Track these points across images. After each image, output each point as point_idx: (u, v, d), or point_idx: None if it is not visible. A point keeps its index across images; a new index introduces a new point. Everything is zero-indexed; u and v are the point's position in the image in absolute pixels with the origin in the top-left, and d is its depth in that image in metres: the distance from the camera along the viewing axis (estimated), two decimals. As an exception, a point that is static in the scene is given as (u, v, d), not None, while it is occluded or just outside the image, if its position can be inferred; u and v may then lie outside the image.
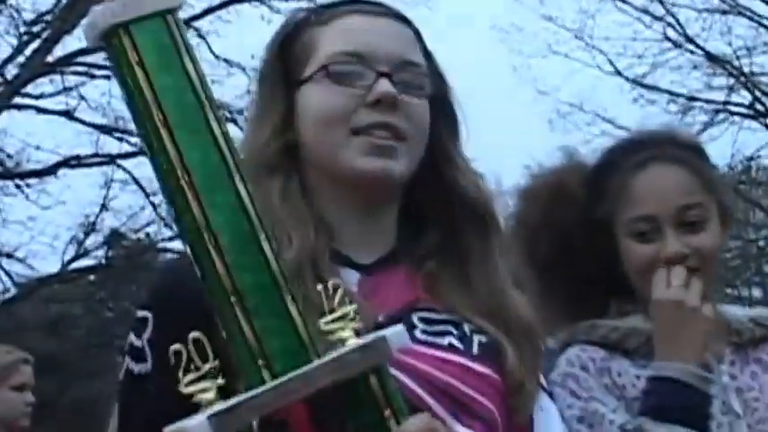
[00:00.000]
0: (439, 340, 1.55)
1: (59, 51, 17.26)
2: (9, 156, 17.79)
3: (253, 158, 1.57)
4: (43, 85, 17.59)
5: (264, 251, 1.25)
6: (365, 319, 1.37)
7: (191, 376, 1.19)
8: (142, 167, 17.46)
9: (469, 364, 1.55)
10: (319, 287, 1.29)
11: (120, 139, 17.97)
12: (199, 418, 1.16)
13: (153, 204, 18.65)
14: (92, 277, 21.53)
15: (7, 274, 18.31)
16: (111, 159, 18.38)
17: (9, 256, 18.30)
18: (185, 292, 1.41)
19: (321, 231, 1.56)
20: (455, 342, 1.56)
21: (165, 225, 19.27)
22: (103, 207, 18.89)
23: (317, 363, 1.24)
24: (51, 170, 17.83)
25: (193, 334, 1.21)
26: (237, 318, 1.23)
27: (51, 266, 18.93)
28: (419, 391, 1.49)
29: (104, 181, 18.61)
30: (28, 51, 17.03)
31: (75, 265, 19.39)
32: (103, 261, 19.92)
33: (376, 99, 1.56)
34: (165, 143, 1.23)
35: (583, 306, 2.15)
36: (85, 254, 19.32)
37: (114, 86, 15.50)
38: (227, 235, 1.23)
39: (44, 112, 17.67)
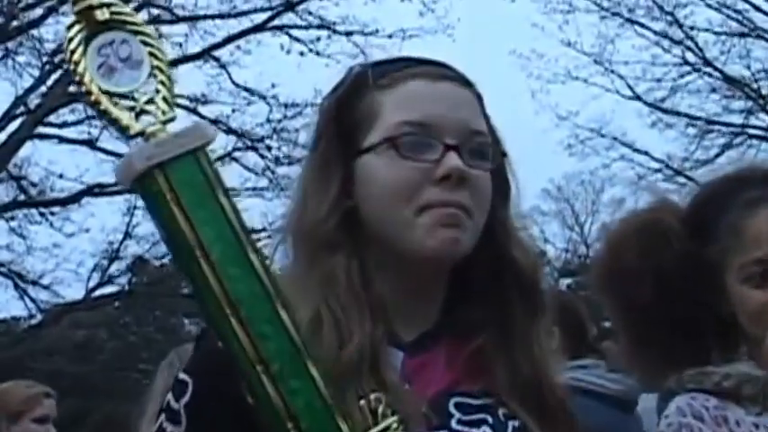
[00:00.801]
0: (474, 430, 1.51)
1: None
2: (33, 184, 18.06)
3: (311, 233, 1.52)
4: (65, 114, 17.87)
5: (310, 371, 1.28)
6: (409, 404, 1.40)
7: None
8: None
9: None
10: (362, 403, 1.32)
11: None
12: None
13: None
14: (116, 303, 21.67)
15: (33, 300, 18.53)
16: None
17: (35, 283, 18.50)
18: (225, 365, 1.36)
19: (379, 315, 1.49)
20: None
21: None
22: (127, 234, 19.10)
23: None
24: (75, 198, 18.09)
25: None
26: (264, 385, 1.26)
27: (76, 293, 19.08)
28: None
29: (127, 208, 18.77)
30: (50, 81, 17.30)
31: (99, 291, 19.55)
32: (127, 287, 20.01)
33: (445, 175, 1.48)
34: (209, 278, 1.24)
35: (683, 352, 2.01)
36: (109, 280, 19.47)
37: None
38: (278, 363, 1.25)
39: (67, 142, 17.97)
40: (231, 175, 17.42)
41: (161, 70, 1.29)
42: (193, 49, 17.43)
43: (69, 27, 1.29)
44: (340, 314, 1.44)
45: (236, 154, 18.11)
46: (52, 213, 18.15)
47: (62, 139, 17.98)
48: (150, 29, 1.31)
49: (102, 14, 1.28)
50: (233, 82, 17.55)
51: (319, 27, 17.69)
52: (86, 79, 1.27)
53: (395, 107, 1.52)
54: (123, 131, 1.30)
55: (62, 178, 17.97)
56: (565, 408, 1.56)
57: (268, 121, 17.55)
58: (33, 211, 18.15)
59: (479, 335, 1.54)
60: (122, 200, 18.62)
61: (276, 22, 17.93)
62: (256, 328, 1.24)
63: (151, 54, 1.30)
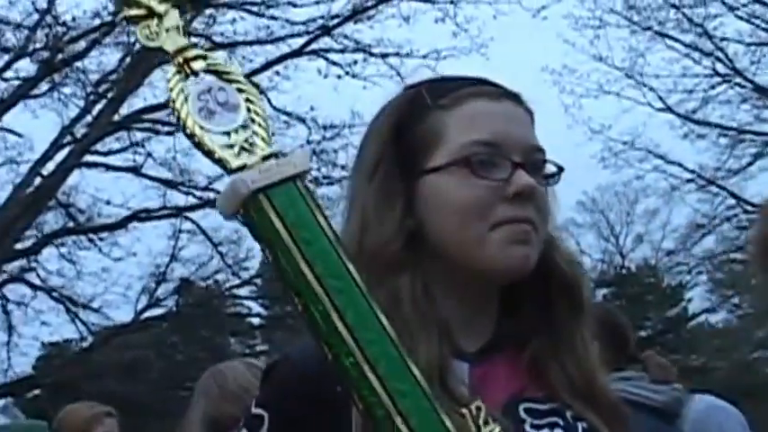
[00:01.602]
0: None
1: (125, 109, 17.98)
2: (81, 211, 18.46)
3: (375, 256, 1.51)
4: (111, 142, 18.31)
5: (417, 378, 1.27)
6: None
7: None
8: (209, 218, 18.43)
9: None
10: (464, 411, 1.30)
11: (187, 193, 18.59)
12: None
13: (220, 254, 19.55)
14: (164, 324, 22.03)
15: (84, 323, 18.96)
16: (178, 212, 18.98)
17: (85, 306, 18.92)
18: (303, 394, 1.43)
19: (443, 331, 1.51)
20: None
21: (233, 273, 20.21)
22: (173, 257, 19.57)
23: None
24: (122, 224, 18.46)
25: None
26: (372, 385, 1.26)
27: (125, 315, 19.54)
28: None
29: (173, 232, 19.28)
30: (95, 111, 17.70)
31: (147, 313, 20.00)
32: (174, 309, 20.44)
33: (517, 192, 1.51)
34: (315, 290, 1.27)
35: None
36: (157, 302, 19.92)
37: (179, 142, 16.49)
38: (383, 364, 1.26)
39: (113, 169, 18.36)
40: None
41: (257, 113, 1.35)
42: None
43: (170, 79, 1.34)
44: (406, 334, 1.38)
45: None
46: (101, 239, 18.56)
47: (108, 167, 18.39)
48: (242, 77, 1.38)
49: (198, 65, 1.35)
50: (272, 106, 17.76)
51: (355, 50, 18.11)
52: (189, 122, 1.31)
53: (461, 127, 1.54)
54: (227, 168, 1.32)
55: (109, 205, 18.36)
56: (619, 407, 1.58)
57: (308, 142, 17.81)
58: (82, 237, 18.53)
59: (532, 341, 1.57)
60: (167, 224, 19.16)
61: (313, 46, 18.26)
62: (362, 333, 1.26)
63: (247, 100, 1.36)
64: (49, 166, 17.47)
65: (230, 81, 1.35)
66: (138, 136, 18.42)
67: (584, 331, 1.58)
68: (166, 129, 17.69)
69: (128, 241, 18.69)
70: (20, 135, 17.68)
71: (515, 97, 1.60)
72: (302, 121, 18.02)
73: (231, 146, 1.32)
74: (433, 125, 1.56)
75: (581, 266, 1.66)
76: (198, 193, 18.40)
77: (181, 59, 1.34)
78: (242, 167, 1.30)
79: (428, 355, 1.44)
